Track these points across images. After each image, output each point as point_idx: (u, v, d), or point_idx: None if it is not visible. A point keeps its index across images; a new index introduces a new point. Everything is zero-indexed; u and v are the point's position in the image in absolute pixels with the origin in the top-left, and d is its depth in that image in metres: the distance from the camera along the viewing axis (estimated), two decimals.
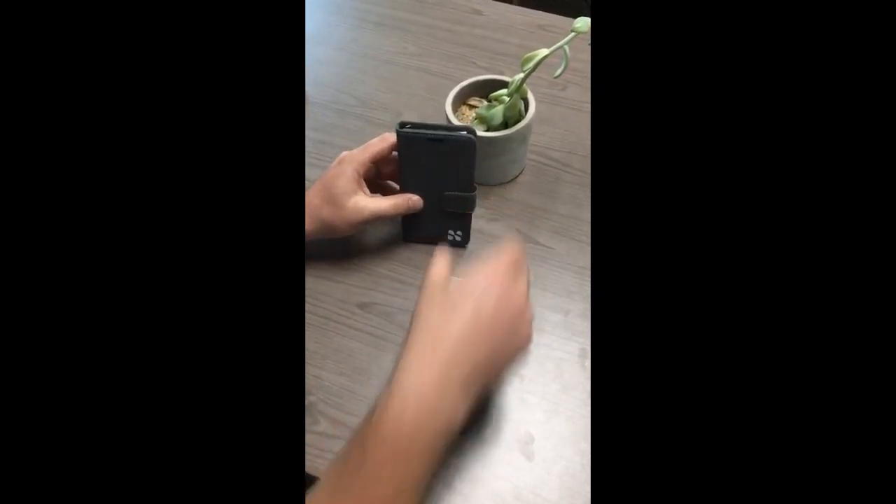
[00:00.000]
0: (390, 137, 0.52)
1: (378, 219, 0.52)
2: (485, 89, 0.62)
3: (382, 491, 0.32)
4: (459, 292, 0.37)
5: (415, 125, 0.51)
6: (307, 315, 0.54)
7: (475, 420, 0.47)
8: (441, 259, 0.40)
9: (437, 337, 0.35)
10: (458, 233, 0.56)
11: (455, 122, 0.58)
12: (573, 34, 0.50)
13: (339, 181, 0.50)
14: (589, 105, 0.71)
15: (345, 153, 0.52)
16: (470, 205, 0.53)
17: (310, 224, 0.51)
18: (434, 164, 0.51)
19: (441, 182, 0.52)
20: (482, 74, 0.62)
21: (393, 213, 0.52)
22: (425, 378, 0.33)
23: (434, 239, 0.57)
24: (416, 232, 0.58)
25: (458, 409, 0.34)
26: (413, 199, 0.53)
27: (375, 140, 0.52)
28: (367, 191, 0.53)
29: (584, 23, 0.49)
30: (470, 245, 0.58)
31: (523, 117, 0.57)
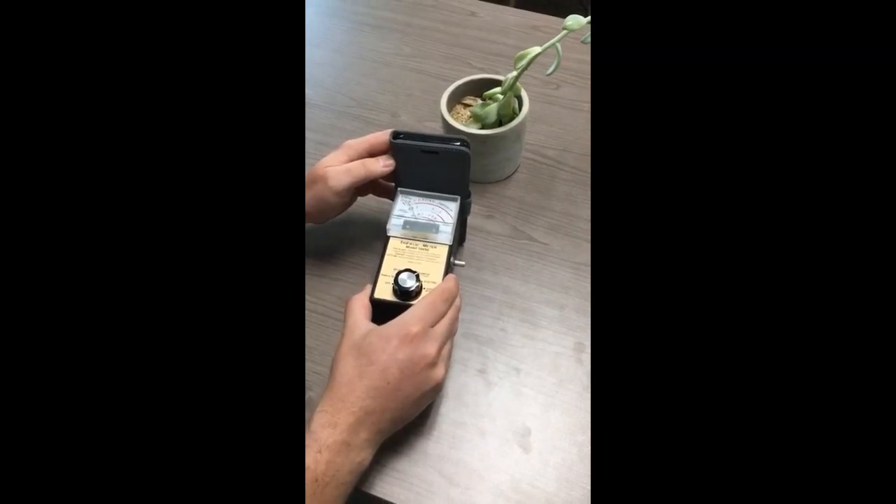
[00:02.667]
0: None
1: (360, 179, 0.51)
2: (479, 88, 0.62)
3: None
4: (372, 349, 0.42)
5: (408, 135, 0.50)
6: (307, 312, 0.54)
7: (472, 413, 0.48)
8: (358, 306, 0.45)
9: (347, 398, 0.40)
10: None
11: (451, 121, 0.58)
12: (564, 32, 0.51)
13: (329, 160, 0.52)
14: (583, 103, 0.72)
15: (349, 140, 0.52)
16: (465, 210, 0.54)
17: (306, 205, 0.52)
18: (429, 173, 0.52)
19: (436, 189, 0.53)
20: (477, 74, 0.63)
21: (364, 172, 0.51)
22: (336, 437, 0.39)
23: None
24: None
25: (364, 457, 0.41)
26: (384, 159, 0.51)
27: (379, 133, 0.52)
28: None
29: (574, 21, 0.50)
30: (467, 243, 0.59)
31: (517, 115, 0.58)
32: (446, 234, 0.50)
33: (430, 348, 0.42)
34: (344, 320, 0.45)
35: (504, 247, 0.59)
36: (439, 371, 0.43)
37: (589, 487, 0.44)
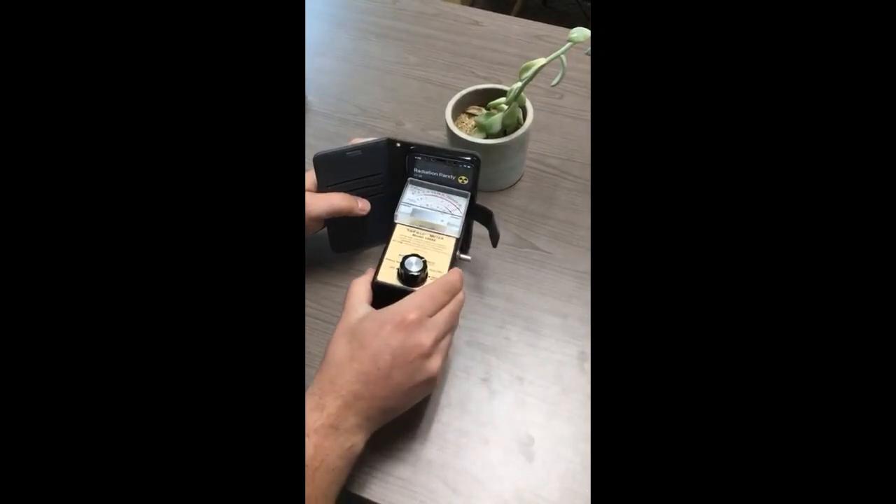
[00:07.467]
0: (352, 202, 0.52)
1: (334, 212, 0.52)
2: (484, 98, 0.63)
3: None
4: (365, 333, 0.41)
5: (419, 146, 0.51)
6: (308, 319, 0.55)
7: (475, 422, 0.48)
8: (359, 289, 0.45)
9: (336, 381, 0.40)
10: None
11: (455, 130, 0.59)
12: (569, 44, 0.51)
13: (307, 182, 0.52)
14: (586, 113, 0.72)
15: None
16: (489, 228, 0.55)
17: None
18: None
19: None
20: (481, 84, 0.63)
21: (345, 205, 0.52)
22: (323, 420, 0.38)
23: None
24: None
25: (354, 442, 0.40)
26: (363, 202, 0.53)
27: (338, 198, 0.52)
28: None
29: (580, 33, 0.50)
30: (471, 250, 0.59)
31: (521, 125, 0.59)
32: (455, 226, 0.49)
33: (426, 338, 0.41)
34: (344, 302, 0.44)
35: (507, 255, 0.59)
36: (434, 363, 0.41)
37: None
